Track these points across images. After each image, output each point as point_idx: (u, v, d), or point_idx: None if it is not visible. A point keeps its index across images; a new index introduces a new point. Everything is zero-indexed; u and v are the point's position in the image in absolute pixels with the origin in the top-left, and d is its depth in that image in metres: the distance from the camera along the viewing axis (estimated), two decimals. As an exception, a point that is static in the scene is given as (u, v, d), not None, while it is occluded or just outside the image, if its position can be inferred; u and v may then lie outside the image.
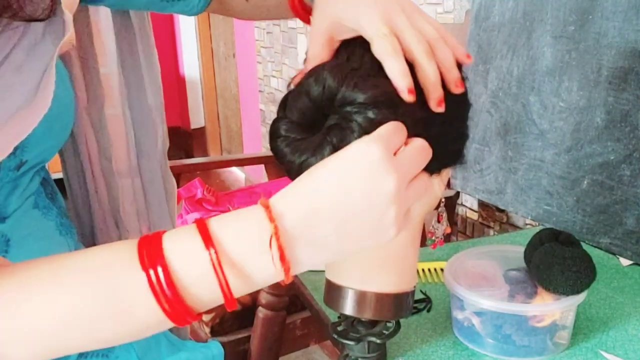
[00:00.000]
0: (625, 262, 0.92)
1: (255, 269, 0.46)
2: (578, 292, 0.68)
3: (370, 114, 0.52)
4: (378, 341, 0.65)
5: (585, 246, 0.76)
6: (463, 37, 1.23)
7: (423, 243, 1.32)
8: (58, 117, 0.67)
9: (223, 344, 0.82)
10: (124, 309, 0.46)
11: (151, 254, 0.46)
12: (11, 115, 0.53)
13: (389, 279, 0.63)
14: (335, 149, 0.52)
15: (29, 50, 0.58)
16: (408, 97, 0.52)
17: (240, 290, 0.47)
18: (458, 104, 0.62)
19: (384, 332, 0.66)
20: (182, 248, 0.46)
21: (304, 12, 0.70)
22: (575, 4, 0.98)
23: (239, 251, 0.46)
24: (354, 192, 0.46)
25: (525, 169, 1.07)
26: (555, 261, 0.69)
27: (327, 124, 0.54)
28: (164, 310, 0.46)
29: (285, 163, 0.55)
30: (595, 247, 0.95)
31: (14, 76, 0.56)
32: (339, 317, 0.68)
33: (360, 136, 0.51)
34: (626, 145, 0.90)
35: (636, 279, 0.88)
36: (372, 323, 0.66)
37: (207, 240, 0.45)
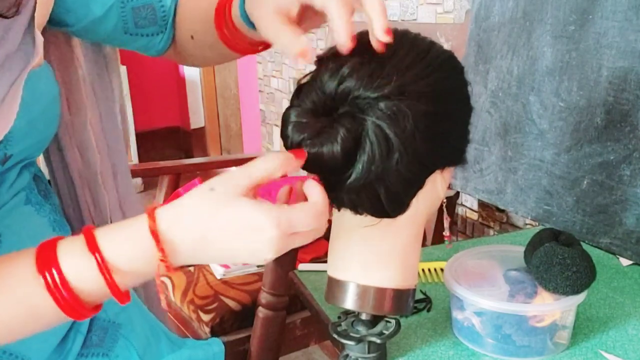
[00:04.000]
0: (625, 262, 0.92)
1: (141, 273, 0.53)
2: (578, 292, 0.68)
3: (382, 106, 0.54)
4: (378, 341, 0.65)
5: (585, 246, 0.76)
6: (463, 37, 1.23)
7: (424, 244, 1.32)
8: (42, 113, 0.68)
9: (223, 344, 0.82)
10: (28, 309, 0.53)
11: (47, 259, 0.52)
12: None
13: (390, 274, 0.63)
14: (349, 131, 0.54)
15: (2, 62, 0.60)
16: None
17: (129, 285, 0.54)
18: (462, 102, 0.63)
19: (384, 332, 0.66)
20: (73, 254, 0.52)
21: (233, 35, 0.71)
22: (575, 4, 0.98)
23: (125, 260, 0.52)
24: (239, 249, 0.52)
25: (525, 169, 1.07)
26: (555, 261, 0.69)
27: (339, 111, 0.56)
28: (60, 307, 0.52)
29: (295, 146, 0.56)
30: (595, 247, 0.95)
31: None
32: (339, 317, 0.68)
33: (372, 127, 0.54)
34: (626, 145, 0.90)
35: (636, 279, 0.88)
36: (372, 323, 0.66)
37: (93, 247, 0.52)
